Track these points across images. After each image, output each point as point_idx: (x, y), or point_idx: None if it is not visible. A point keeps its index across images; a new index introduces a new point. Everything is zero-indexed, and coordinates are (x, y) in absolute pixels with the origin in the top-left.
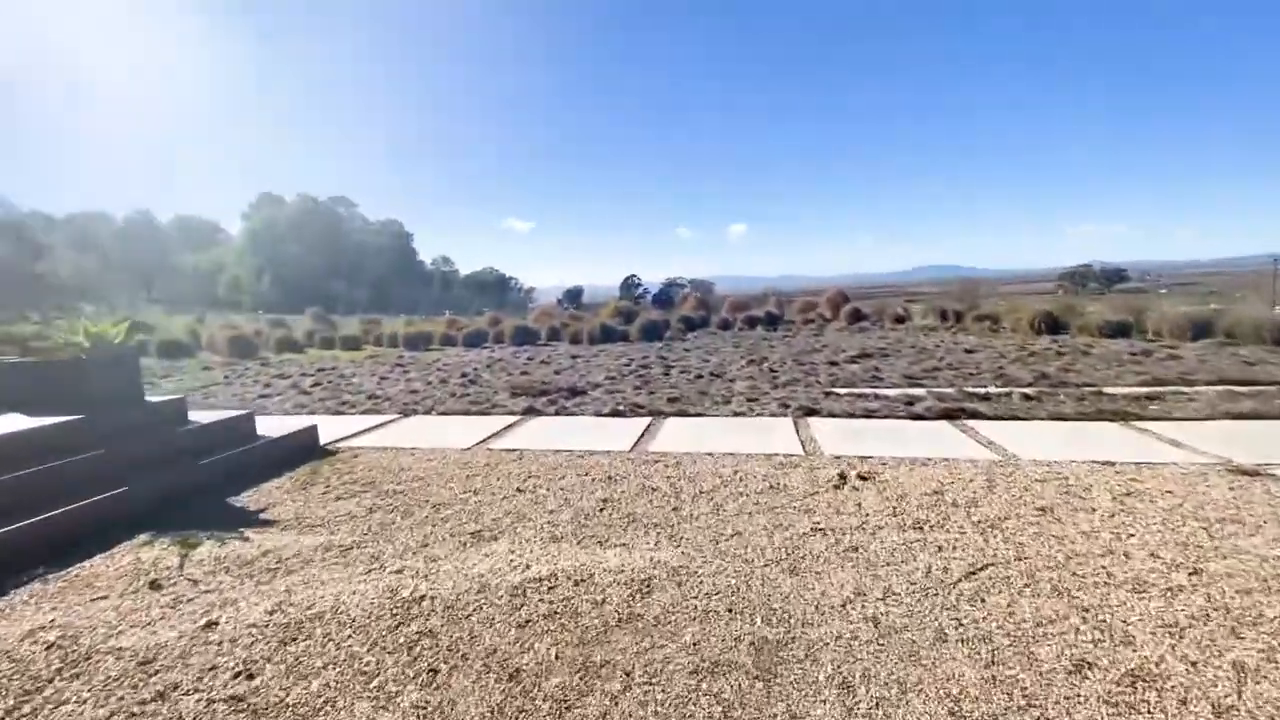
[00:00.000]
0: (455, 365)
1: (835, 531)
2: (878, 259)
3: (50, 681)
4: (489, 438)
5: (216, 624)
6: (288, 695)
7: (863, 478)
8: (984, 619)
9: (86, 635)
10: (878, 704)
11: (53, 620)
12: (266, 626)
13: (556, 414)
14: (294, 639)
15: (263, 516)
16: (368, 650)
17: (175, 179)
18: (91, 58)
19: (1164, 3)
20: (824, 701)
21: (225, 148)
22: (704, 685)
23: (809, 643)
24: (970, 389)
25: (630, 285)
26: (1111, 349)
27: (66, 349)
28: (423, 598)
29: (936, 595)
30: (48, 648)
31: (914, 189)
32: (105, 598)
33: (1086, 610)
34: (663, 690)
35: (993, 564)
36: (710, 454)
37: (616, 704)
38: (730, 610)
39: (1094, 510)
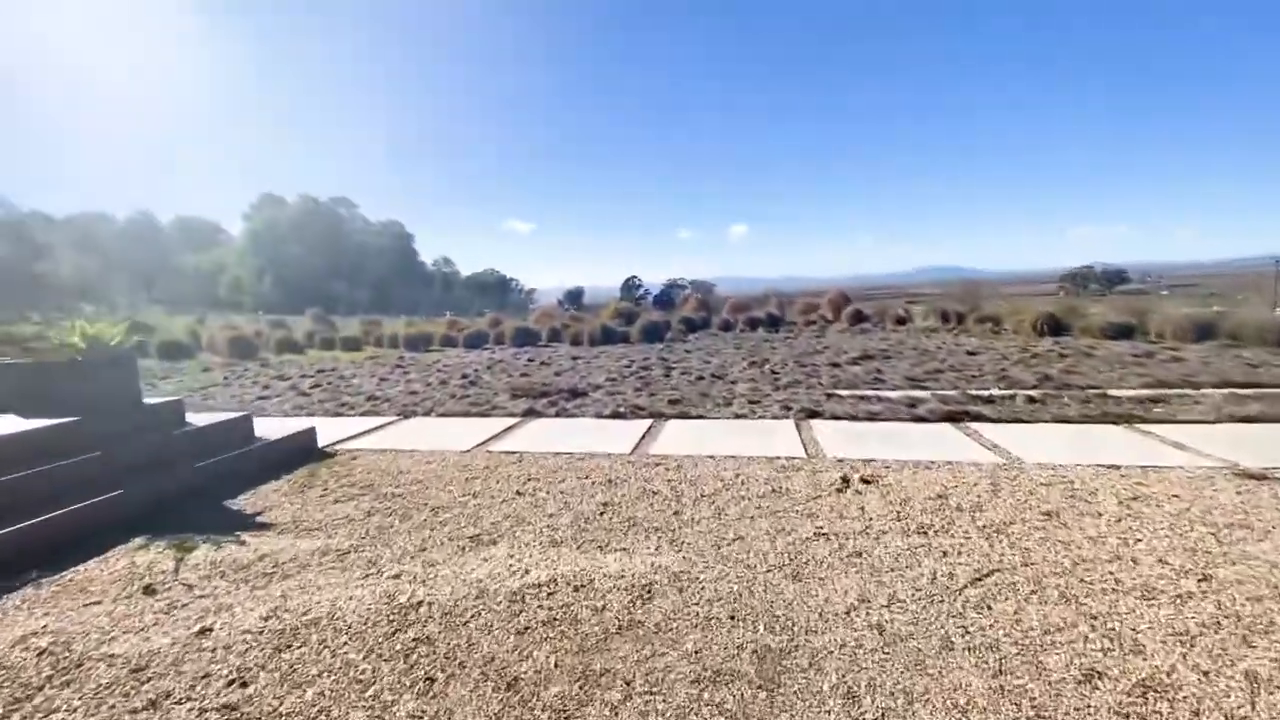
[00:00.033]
0: (456, 366)
1: (838, 536)
2: (878, 260)
3: (41, 689)
4: (489, 440)
5: (210, 630)
6: (281, 704)
7: (866, 481)
8: (991, 627)
9: (79, 641)
10: (883, 715)
11: (45, 626)
12: (261, 633)
13: (557, 416)
14: (289, 646)
15: (259, 520)
16: (364, 658)
17: (176, 179)
18: (91, 58)
19: (1164, 3)
20: (829, 712)
21: (225, 148)
22: (706, 695)
23: (813, 651)
24: (973, 391)
25: (631, 286)
26: (1114, 351)
27: (62, 350)
28: (420, 603)
29: (942, 602)
30: (39, 654)
31: (914, 189)
32: (99, 603)
33: (1095, 618)
34: (664, 700)
35: (999, 570)
36: (712, 457)
37: (617, 715)
38: (732, 617)
39: (1100, 515)
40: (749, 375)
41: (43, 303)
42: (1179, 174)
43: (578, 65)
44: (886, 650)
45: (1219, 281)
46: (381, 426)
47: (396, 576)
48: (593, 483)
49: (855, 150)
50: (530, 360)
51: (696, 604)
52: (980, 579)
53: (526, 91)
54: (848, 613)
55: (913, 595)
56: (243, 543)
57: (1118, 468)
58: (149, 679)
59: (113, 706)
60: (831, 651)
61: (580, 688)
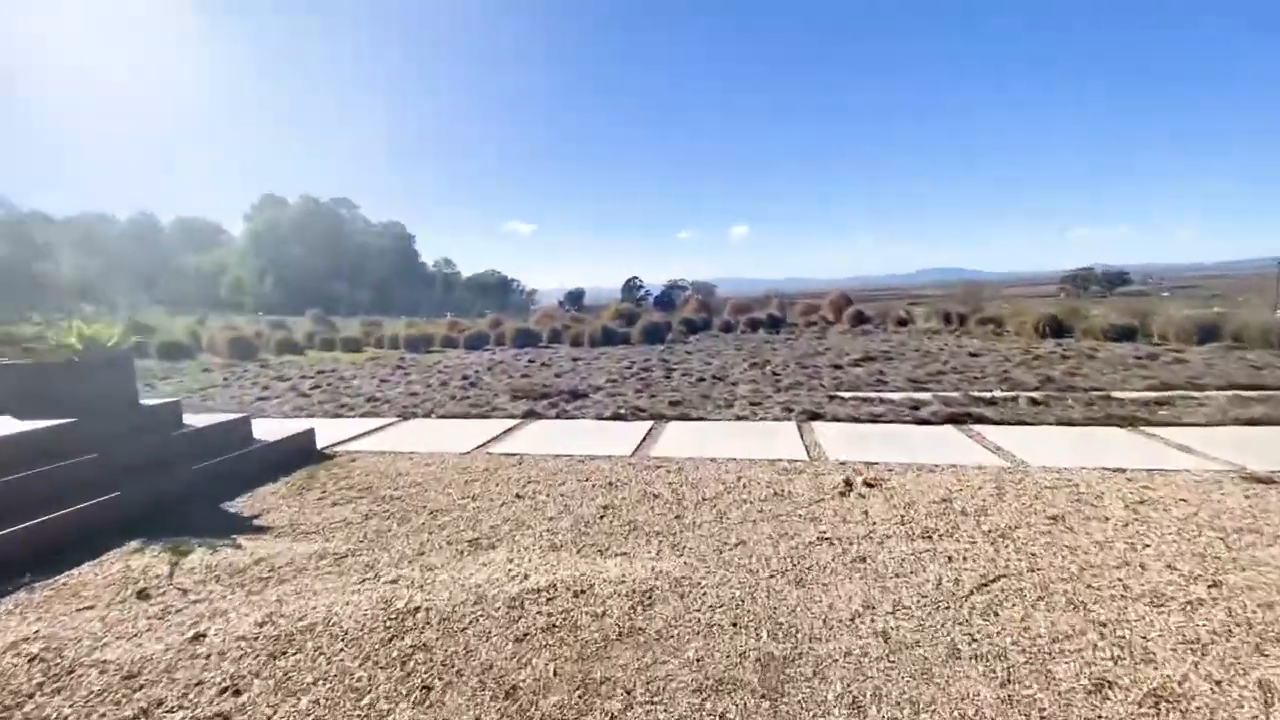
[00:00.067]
0: (456, 367)
1: (842, 541)
2: (879, 261)
3: (31, 696)
4: (489, 441)
5: (204, 636)
6: (275, 713)
7: (869, 484)
8: (998, 634)
9: (71, 647)
10: None
11: (37, 631)
12: (256, 639)
13: (557, 417)
14: (284, 652)
15: (256, 523)
16: (359, 665)
17: (177, 180)
18: (91, 58)
19: (1164, 3)
20: None
21: (226, 148)
22: (708, 705)
23: (817, 659)
24: (976, 393)
25: (632, 287)
26: (1117, 353)
27: (59, 351)
28: (417, 609)
29: (948, 608)
30: (30, 660)
31: (915, 190)
32: (92, 608)
33: (1104, 625)
34: (665, 710)
35: (1005, 575)
36: (713, 459)
37: None
38: (735, 624)
39: (1107, 519)
40: (750, 377)
41: (43, 303)
42: (1179, 175)
43: (578, 65)
44: (892, 658)
45: (1220, 283)
46: (381, 428)
47: (394, 581)
48: (593, 485)
49: (855, 150)
50: (531, 361)
51: (698, 610)
52: (986, 585)
53: (526, 91)
54: (852, 619)
55: (918, 601)
56: (239, 546)
57: (1123, 471)
58: (141, 686)
59: (103, 715)
60: (836, 659)
61: (580, 696)
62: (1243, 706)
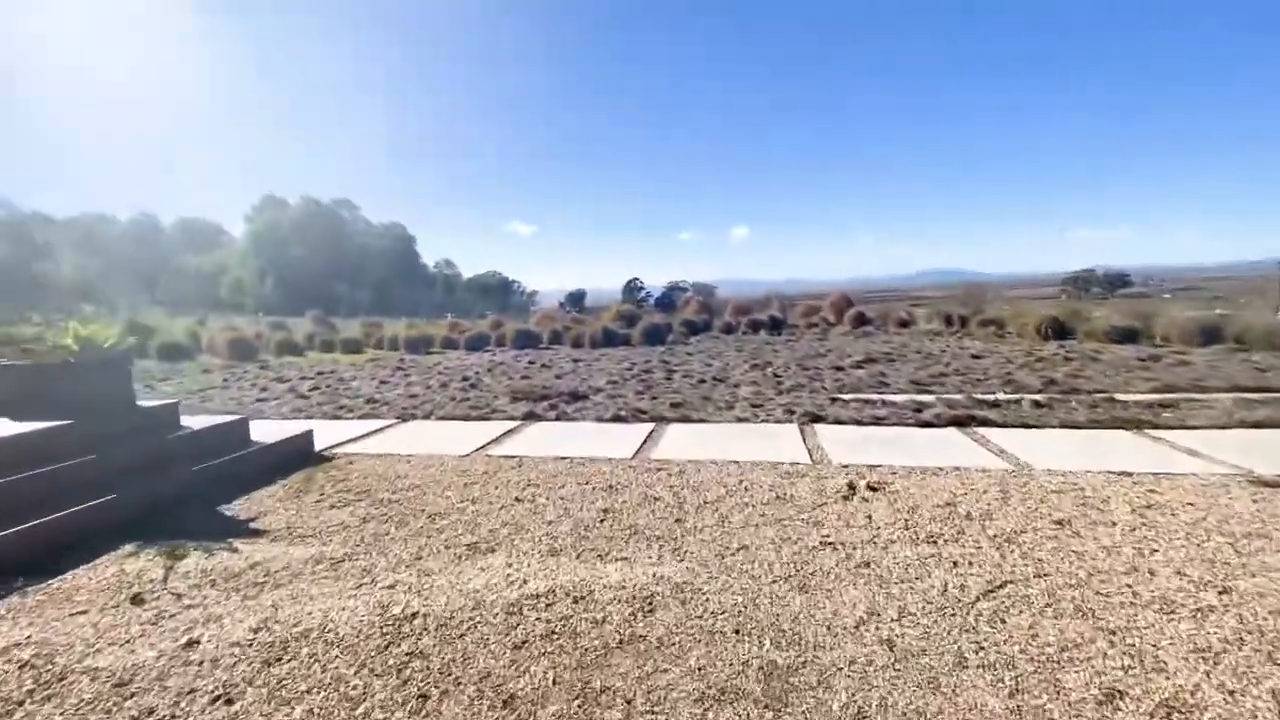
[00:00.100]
0: (456, 369)
1: (846, 545)
2: (879, 262)
3: (21, 704)
4: (488, 444)
5: (198, 642)
6: None
7: (872, 488)
8: (1005, 642)
9: (63, 654)
10: None
11: (29, 637)
12: (250, 645)
13: (557, 419)
14: (278, 659)
15: (253, 526)
16: (355, 673)
17: (177, 180)
18: (92, 58)
19: (1164, 3)
20: None
21: (227, 148)
22: (710, 715)
23: (821, 668)
24: (979, 395)
25: (632, 288)
26: (1120, 355)
27: (55, 352)
28: (415, 615)
29: (954, 615)
30: (21, 667)
31: (915, 191)
32: (85, 612)
33: (1114, 633)
34: None
35: (1011, 581)
36: (714, 462)
37: None
38: (737, 631)
39: (1114, 524)
40: (751, 378)
41: (44, 304)
42: (1179, 176)
43: (578, 65)
44: (898, 667)
45: (1222, 285)
46: (380, 430)
47: (391, 586)
48: (593, 488)
49: (855, 151)
50: (531, 363)
51: (700, 617)
52: (993, 591)
53: (526, 91)
54: (857, 626)
55: (923, 608)
56: (235, 550)
57: (1129, 474)
58: (132, 694)
59: None
60: (841, 668)
61: (579, 706)
62: (1256, 717)
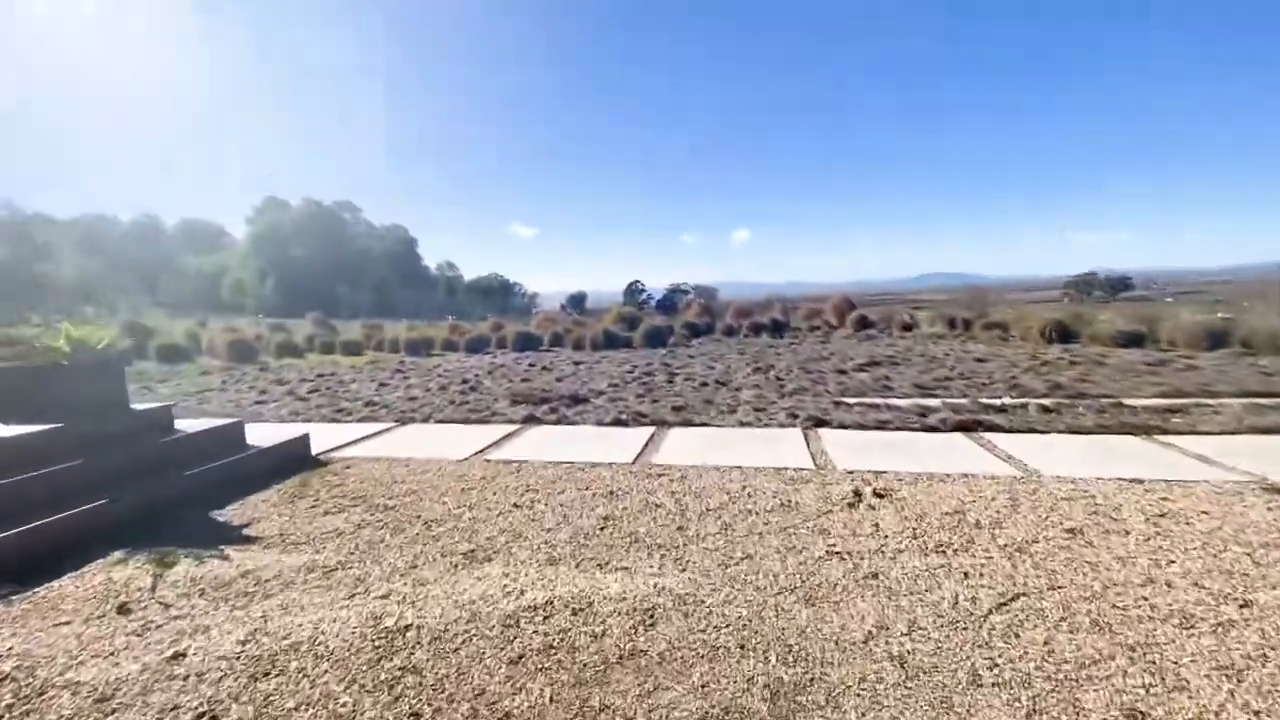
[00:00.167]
0: (456, 371)
1: (853, 555)
2: (880, 265)
3: None
4: (487, 448)
5: (184, 655)
6: None
7: (879, 495)
8: (1020, 658)
9: (44, 667)
10: None
11: (10, 648)
12: (237, 659)
13: (557, 423)
14: (266, 674)
15: (246, 532)
16: (345, 689)
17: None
18: (92, 58)
19: (1164, 3)
20: None
21: (227, 149)
22: None
23: (829, 686)
24: (984, 400)
25: (634, 291)
26: (1126, 359)
27: (46, 354)
28: (408, 627)
29: (966, 630)
30: (1, 680)
31: (915, 193)
32: (69, 623)
33: (1133, 649)
34: None
35: (1024, 594)
36: (717, 467)
37: None
38: (742, 646)
39: (1127, 533)
40: (754, 382)
41: (44, 304)
42: (1180, 179)
43: (578, 65)
44: (909, 685)
45: (1224, 288)
46: (378, 433)
47: (385, 596)
48: (593, 494)
49: (855, 151)
50: (531, 365)
51: (703, 630)
52: (1005, 604)
53: (526, 91)
54: (865, 641)
55: (934, 622)
56: (226, 558)
57: (1141, 482)
58: (113, 710)
59: None
60: (849, 686)
61: None
62: None
